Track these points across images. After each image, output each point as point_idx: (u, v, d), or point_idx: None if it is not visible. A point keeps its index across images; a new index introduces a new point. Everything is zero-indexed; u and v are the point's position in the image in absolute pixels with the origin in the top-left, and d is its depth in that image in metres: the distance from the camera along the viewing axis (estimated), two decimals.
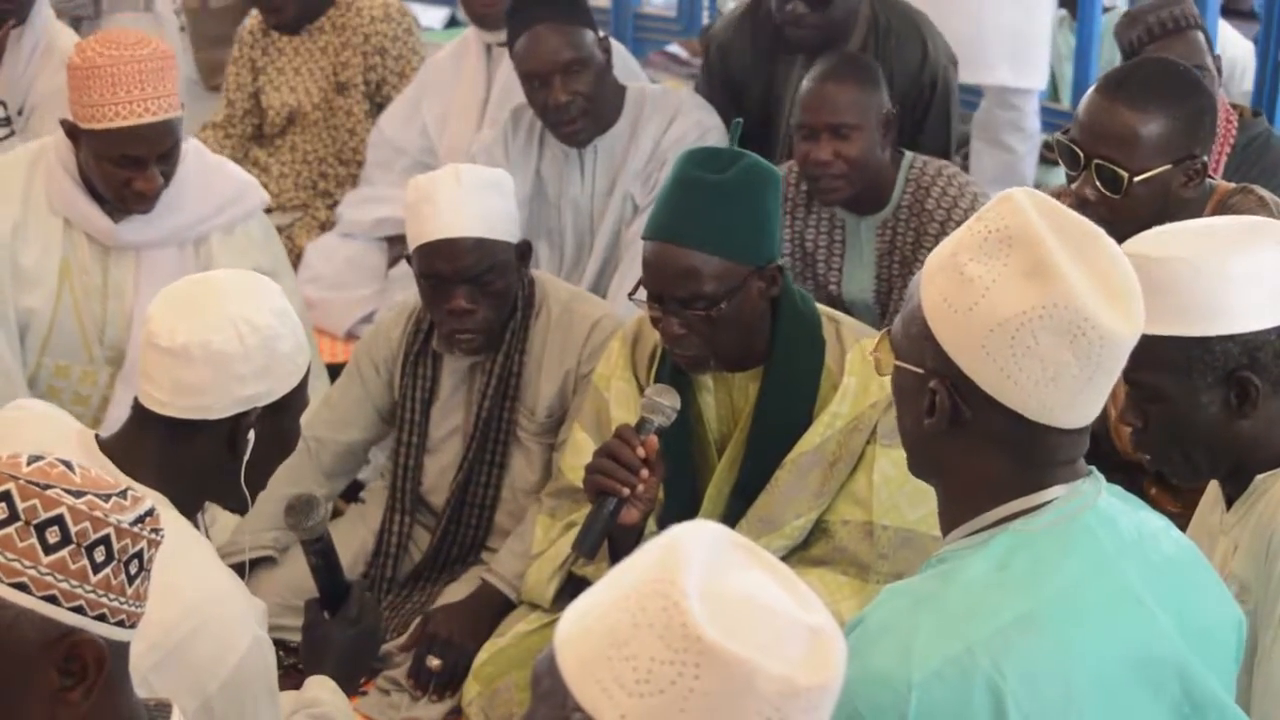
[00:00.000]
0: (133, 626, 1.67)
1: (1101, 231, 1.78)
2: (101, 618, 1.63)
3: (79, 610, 1.62)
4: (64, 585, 1.60)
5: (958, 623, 1.71)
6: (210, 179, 3.50)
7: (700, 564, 1.34)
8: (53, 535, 1.60)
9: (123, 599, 1.65)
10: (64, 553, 1.60)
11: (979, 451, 1.80)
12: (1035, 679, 1.71)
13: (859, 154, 3.51)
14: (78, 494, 1.63)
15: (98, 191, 3.40)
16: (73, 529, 1.61)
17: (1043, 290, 1.71)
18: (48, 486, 1.62)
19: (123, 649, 1.68)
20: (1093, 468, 1.86)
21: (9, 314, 3.42)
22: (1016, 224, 1.74)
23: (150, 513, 1.68)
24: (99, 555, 1.62)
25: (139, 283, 3.46)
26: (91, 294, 3.46)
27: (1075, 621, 1.75)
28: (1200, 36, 3.90)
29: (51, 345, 3.46)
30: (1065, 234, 1.75)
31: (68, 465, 1.65)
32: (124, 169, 3.29)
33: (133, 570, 1.66)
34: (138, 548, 1.66)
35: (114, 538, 1.63)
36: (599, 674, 1.34)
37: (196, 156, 3.46)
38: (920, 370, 1.80)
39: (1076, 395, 1.75)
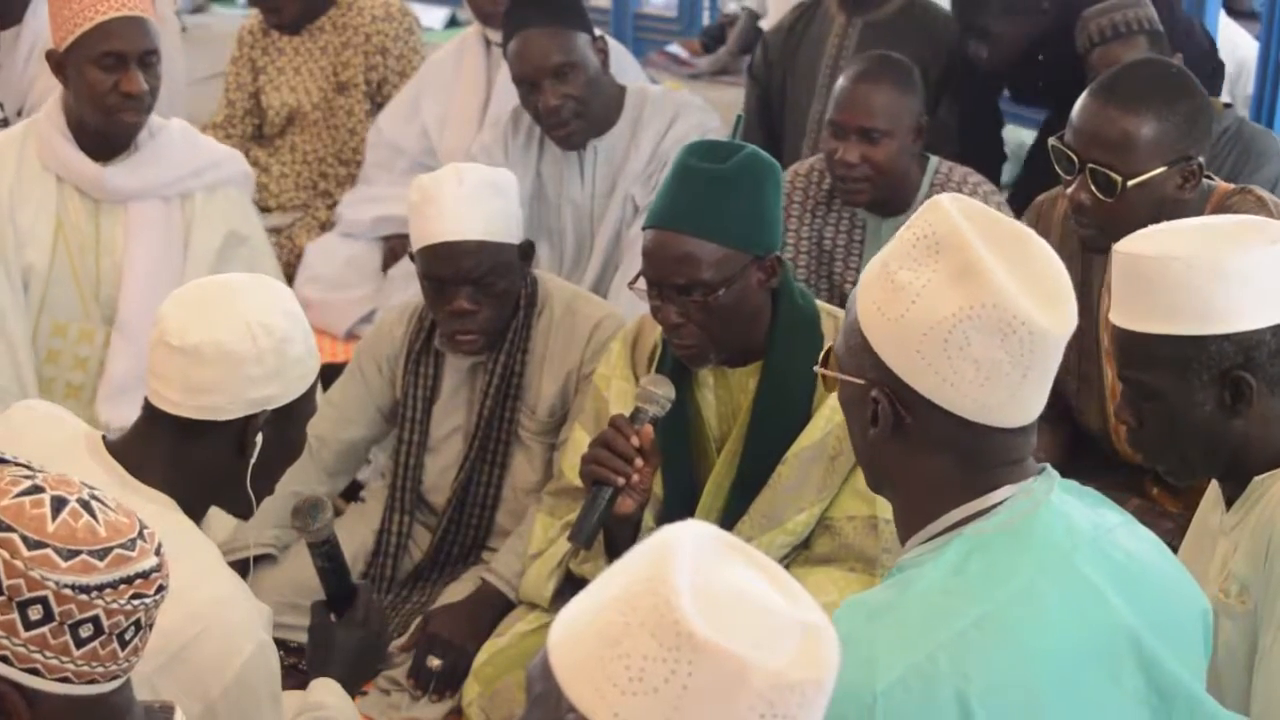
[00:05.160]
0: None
1: (1032, 232, 1.80)
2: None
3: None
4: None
5: (918, 630, 1.72)
6: (195, 144, 3.66)
7: (691, 562, 1.35)
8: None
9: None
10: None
11: (924, 457, 1.82)
12: (998, 680, 1.71)
13: (886, 159, 3.47)
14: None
15: (86, 147, 3.50)
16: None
17: (971, 291, 1.73)
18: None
19: None
20: (1046, 465, 1.86)
21: (14, 274, 3.52)
22: (944, 229, 1.76)
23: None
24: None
25: (128, 235, 3.56)
26: (85, 249, 3.55)
27: (1034, 620, 1.75)
28: (1145, 42, 3.73)
29: (49, 302, 3.55)
30: (992, 236, 1.76)
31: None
32: (109, 73, 3.37)
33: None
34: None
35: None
36: (592, 674, 1.34)
37: (184, 129, 3.64)
38: (861, 381, 1.82)
39: (1013, 394, 1.76)
